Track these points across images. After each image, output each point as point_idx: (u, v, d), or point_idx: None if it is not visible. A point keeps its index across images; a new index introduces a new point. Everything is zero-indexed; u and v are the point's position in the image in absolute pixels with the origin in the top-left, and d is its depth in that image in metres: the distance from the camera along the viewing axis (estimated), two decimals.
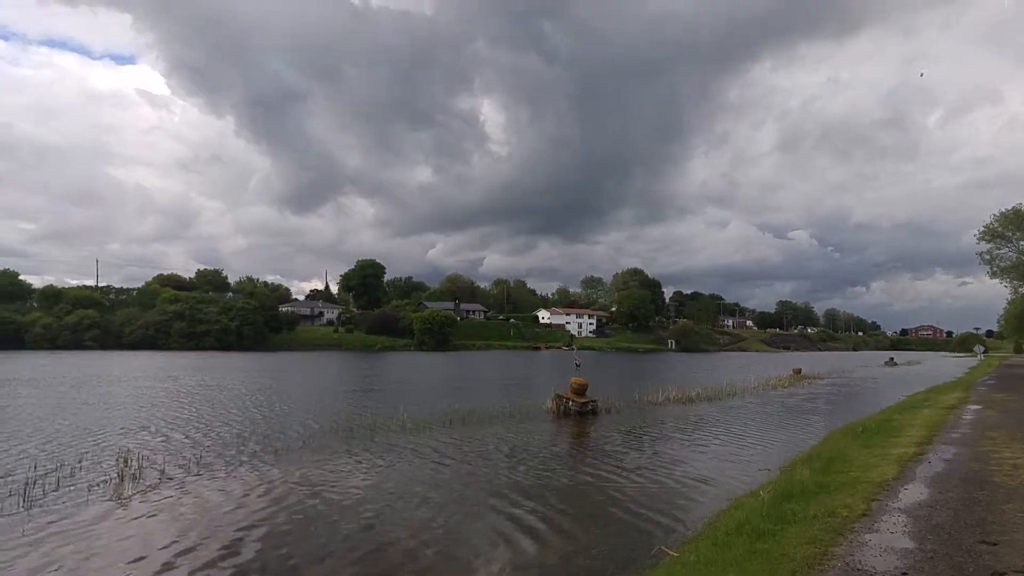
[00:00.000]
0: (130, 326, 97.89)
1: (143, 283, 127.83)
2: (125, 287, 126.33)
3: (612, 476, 12.39)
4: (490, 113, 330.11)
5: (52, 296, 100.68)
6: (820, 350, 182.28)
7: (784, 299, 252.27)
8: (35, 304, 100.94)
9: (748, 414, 23.62)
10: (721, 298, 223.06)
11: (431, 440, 16.34)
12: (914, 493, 8.28)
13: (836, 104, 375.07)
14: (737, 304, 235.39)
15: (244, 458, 13.85)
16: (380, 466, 13.09)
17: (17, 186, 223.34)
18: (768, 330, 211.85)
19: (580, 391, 21.93)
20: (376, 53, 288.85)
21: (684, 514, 9.56)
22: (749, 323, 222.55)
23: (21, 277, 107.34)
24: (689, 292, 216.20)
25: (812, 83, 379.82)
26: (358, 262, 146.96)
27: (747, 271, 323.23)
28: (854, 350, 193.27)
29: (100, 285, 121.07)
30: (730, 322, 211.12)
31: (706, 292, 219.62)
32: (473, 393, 31.15)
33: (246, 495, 10.68)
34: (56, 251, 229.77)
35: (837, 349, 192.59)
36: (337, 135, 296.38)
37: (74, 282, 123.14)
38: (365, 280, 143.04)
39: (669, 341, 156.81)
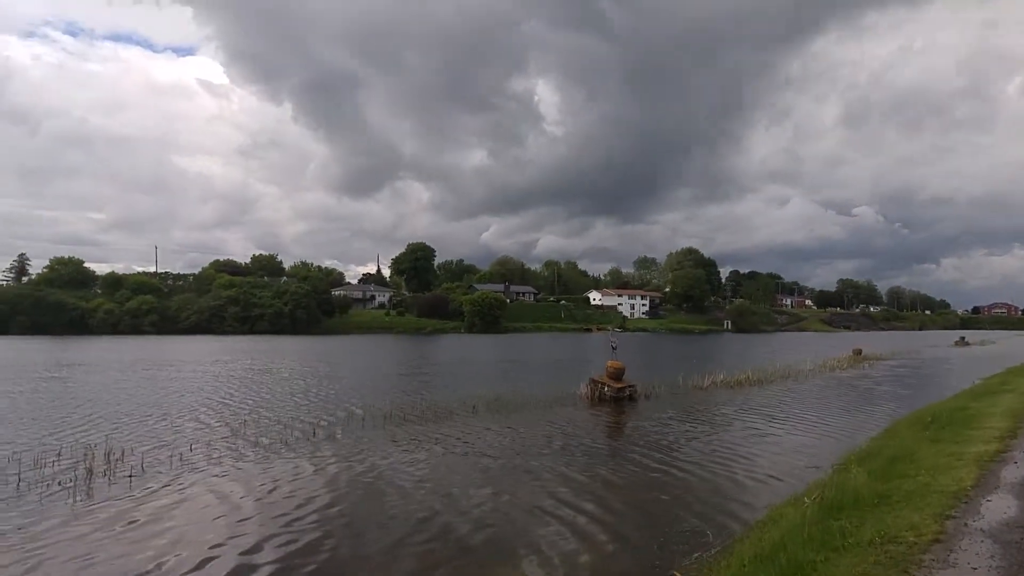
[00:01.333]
0: (186, 311, 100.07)
1: (200, 269, 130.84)
2: (183, 273, 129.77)
3: (637, 472, 11.05)
4: (545, 94, 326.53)
5: (113, 283, 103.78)
6: (883, 329, 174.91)
7: (846, 277, 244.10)
8: (99, 291, 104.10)
9: (800, 400, 21.66)
10: (779, 277, 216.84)
11: (452, 429, 15.22)
12: (1000, 507, 6.62)
13: (908, 74, 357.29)
14: (796, 283, 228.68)
15: (273, 446, 13.10)
16: (395, 459, 11.97)
17: (89, 177, 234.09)
18: (828, 309, 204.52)
19: (617, 375, 20.41)
20: (432, 37, 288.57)
21: (711, 524, 8.06)
22: (808, 302, 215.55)
23: (92, 265, 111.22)
24: (746, 271, 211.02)
25: (881, 53, 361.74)
26: (409, 245, 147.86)
27: (808, 249, 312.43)
28: (920, 329, 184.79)
29: (159, 271, 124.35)
30: (788, 301, 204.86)
31: (765, 271, 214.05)
32: (515, 376, 30.21)
33: (274, 485, 10.09)
34: (124, 239, 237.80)
35: (902, 328, 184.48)
36: (393, 120, 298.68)
37: (140, 269, 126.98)
38: (416, 263, 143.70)
39: (725, 322, 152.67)
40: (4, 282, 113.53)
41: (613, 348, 22.19)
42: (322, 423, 15.99)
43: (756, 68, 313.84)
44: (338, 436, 14.27)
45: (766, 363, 34.61)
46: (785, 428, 15.81)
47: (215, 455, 12.26)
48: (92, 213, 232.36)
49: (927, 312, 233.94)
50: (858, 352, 45.09)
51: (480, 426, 15.65)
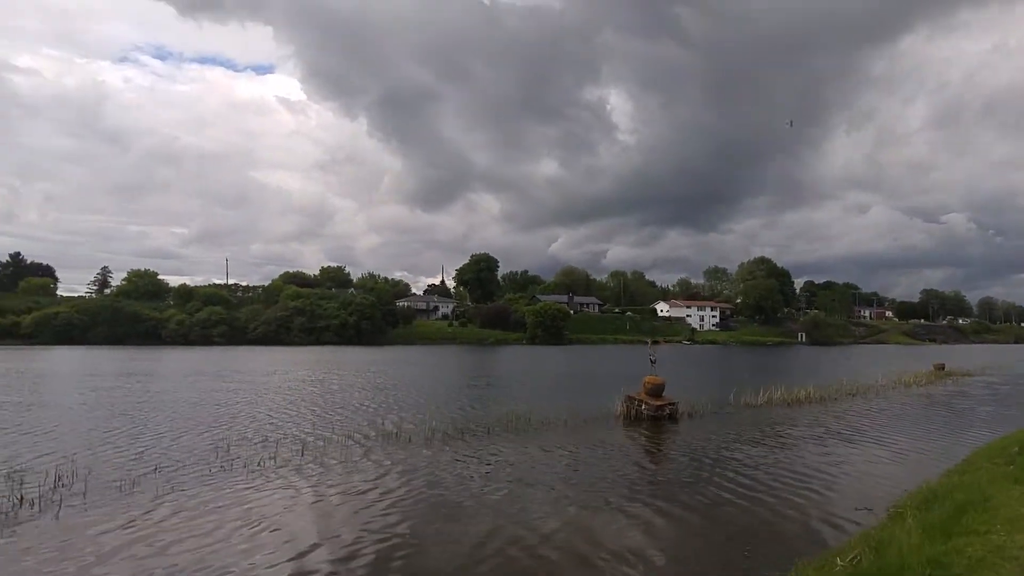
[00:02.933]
0: (254, 322, 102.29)
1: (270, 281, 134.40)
2: (254, 285, 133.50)
3: (644, 515, 9.34)
4: (618, 102, 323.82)
5: (185, 294, 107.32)
6: (973, 343, 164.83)
7: (931, 288, 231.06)
8: (171, 302, 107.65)
9: (865, 421, 19.32)
10: (857, 287, 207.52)
11: (464, 449, 13.97)
12: None
13: (1004, 73, 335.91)
14: (875, 294, 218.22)
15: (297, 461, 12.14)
16: (407, 484, 10.82)
17: (176, 193, 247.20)
18: (911, 321, 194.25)
19: (655, 392, 18.66)
20: (504, 50, 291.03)
21: None
22: (889, 314, 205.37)
23: (174, 278, 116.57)
24: (821, 281, 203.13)
25: (975, 51, 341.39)
26: (472, 256, 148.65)
27: (891, 259, 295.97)
28: (1015, 343, 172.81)
29: (229, 283, 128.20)
30: (867, 313, 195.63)
31: (844, 281, 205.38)
32: (559, 390, 28.93)
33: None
34: (205, 252, 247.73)
35: (994, 342, 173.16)
36: (466, 132, 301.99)
37: (219, 281, 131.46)
38: (479, 274, 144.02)
39: (799, 334, 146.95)
40: (88, 294, 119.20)
41: (652, 362, 20.40)
42: (317, 443, 14.86)
43: (838, 70, 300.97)
44: (330, 460, 13.02)
45: (835, 378, 31.96)
46: (840, 457, 13.74)
47: (181, 479, 11.18)
48: (176, 227, 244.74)
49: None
50: (940, 367, 41.54)
51: (488, 448, 14.32)
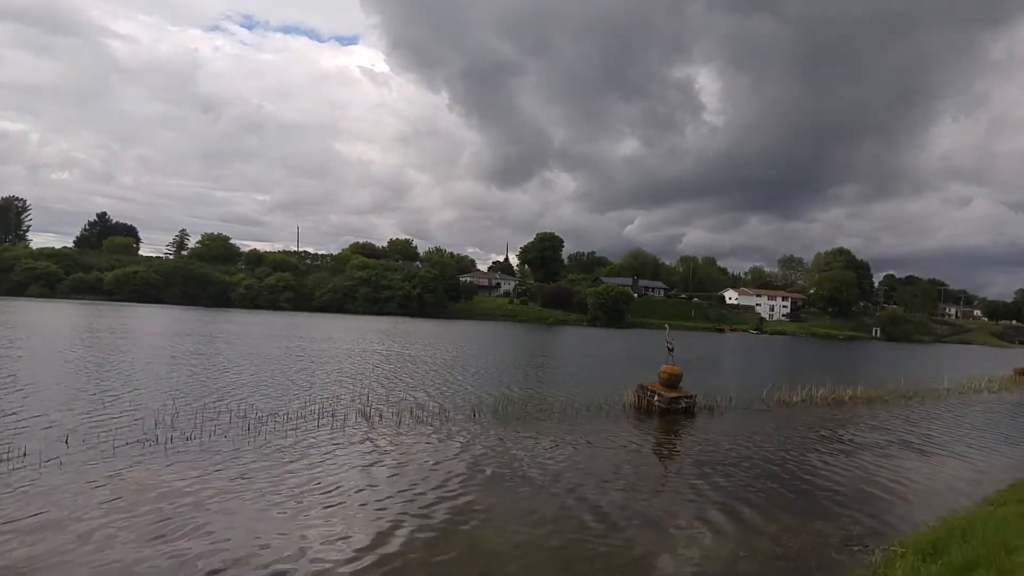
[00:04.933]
0: (320, 289, 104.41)
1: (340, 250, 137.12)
2: (324, 254, 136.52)
3: (602, 525, 8.26)
4: (706, 82, 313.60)
5: (255, 259, 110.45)
6: None
7: None
8: (242, 266, 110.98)
9: (911, 429, 17.33)
10: (943, 284, 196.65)
11: (418, 438, 12.84)
12: None
13: None
14: (964, 291, 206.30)
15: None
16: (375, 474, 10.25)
17: (260, 161, 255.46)
18: (1000, 322, 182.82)
19: (672, 383, 17.31)
20: (589, 23, 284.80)
21: None
22: (977, 313, 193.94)
23: (248, 243, 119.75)
24: (903, 276, 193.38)
25: None
26: (537, 235, 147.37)
27: (991, 255, 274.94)
28: None
29: (299, 250, 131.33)
30: (953, 311, 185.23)
31: (938, 278, 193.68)
32: (586, 372, 28.12)
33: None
34: (286, 220, 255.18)
35: None
36: (545, 108, 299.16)
37: (293, 248, 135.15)
38: (543, 253, 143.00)
39: (874, 329, 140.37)
40: (166, 255, 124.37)
41: (669, 350, 18.90)
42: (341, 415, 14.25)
43: (948, 52, 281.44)
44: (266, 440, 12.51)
45: (896, 377, 29.58)
46: (862, 471, 12.05)
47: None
48: (258, 195, 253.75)
49: None
50: (1022, 372, 38.36)
51: (459, 436, 13.19)
